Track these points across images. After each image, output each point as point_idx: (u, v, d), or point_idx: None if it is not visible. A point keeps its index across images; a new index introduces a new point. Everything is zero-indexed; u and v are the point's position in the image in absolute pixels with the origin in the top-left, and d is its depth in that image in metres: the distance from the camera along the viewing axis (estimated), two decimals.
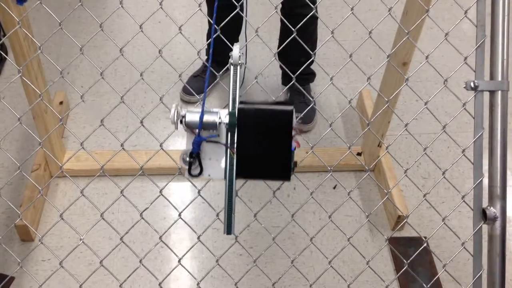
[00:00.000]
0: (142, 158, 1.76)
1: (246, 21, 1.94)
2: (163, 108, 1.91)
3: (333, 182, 1.78)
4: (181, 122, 0.80)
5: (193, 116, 0.79)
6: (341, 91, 1.07)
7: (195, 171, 0.82)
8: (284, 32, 1.89)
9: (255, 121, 0.78)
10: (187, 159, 0.81)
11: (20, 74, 0.92)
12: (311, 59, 1.08)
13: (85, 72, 2.13)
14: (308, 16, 1.06)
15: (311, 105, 1.01)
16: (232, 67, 0.83)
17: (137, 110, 1.98)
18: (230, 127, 0.79)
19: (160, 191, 0.96)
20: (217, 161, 0.82)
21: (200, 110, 0.79)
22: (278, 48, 1.97)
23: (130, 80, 2.09)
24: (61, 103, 1.90)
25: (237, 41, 1.70)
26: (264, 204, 0.99)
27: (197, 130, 0.79)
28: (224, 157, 0.81)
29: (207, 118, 0.79)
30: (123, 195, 0.95)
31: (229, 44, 0.87)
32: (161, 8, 0.93)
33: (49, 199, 1.70)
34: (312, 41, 1.86)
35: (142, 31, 0.92)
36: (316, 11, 0.97)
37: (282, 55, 1.81)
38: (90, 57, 2.18)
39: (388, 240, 1.64)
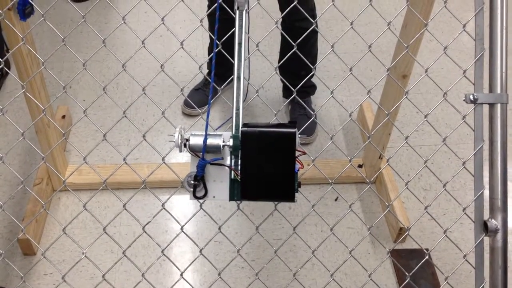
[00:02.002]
0: (144, 171, 1.77)
1: (245, 34, 1.96)
2: (165, 122, 1.93)
3: (334, 194, 1.78)
4: (184, 145, 0.81)
5: (196, 139, 0.80)
6: (341, 104, 1.08)
7: (200, 193, 0.83)
8: (285, 46, 1.91)
9: (259, 144, 0.79)
10: (192, 182, 0.82)
11: (23, 90, 0.93)
12: (311, 73, 1.09)
13: (88, 86, 2.15)
14: (308, 30, 1.07)
15: (312, 119, 1.02)
16: (237, 11, 0.84)
17: (139, 124, 1.99)
18: (234, 150, 0.80)
19: (163, 205, 0.96)
20: (222, 183, 0.83)
21: (203, 133, 0.80)
22: (278, 62, 2.00)
23: (132, 93, 2.11)
24: (63, 117, 1.92)
25: None
26: (266, 217, 0.99)
27: (201, 153, 0.80)
28: (228, 179, 0.82)
29: (210, 141, 0.80)
30: (125, 209, 0.95)
31: (230, 59, 0.88)
32: (163, 23, 0.95)
33: (51, 213, 1.71)
34: (312, 55, 1.88)
35: (144, 46, 0.93)
36: (316, 25, 0.98)
37: (283, 68, 1.82)
38: (92, 71, 2.19)
39: (390, 252, 1.63)
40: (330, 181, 0.99)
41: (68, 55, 2.25)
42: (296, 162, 0.79)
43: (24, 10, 1.26)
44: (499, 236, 0.91)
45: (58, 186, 1.74)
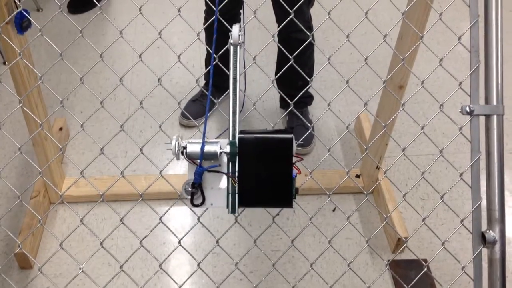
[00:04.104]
0: (141, 183, 1.77)
1: (243, 47, 1.97)
2: (162, 133, 1.92)
3: (332, 205, 1.78)
4: (182, 153, 0.81)
5: (194, 147, 0.80)
6: (338, 115, 1.08)
7: (198, 200, 0.83)
8: (282, 57, 1.91)
9: (256, 150, 0.79)
10: (189, 189, 0.82)
11: (20, 105, 0.93)
12: (308, 86, 1.09)
13: (85, 98, 2.15)
14: (305, 43, 1.08)
15: (309, 131, 1.02)
16: (232, 47, 0.84)
17: (136, 135, 1.99)
18: (231, 156, 0.80)
19: (160, 218, 0.96)
20: (219, 190, 0.83)
21: (200, 141, 0.80)
22: (275, 72, 2.00)
23: (129, 105, 2.11)
24: (60, 129, 1.91)
25: None
26: (264, 230, 0.99)
27: (198, 161, 0.80)
28: (226, 186, 0.82)
29: (208, 148, 0.80)
30: (122, 223, 0.95)
31: (226, 71, 0.88)
32: (160, 37, 0.95)
33: (48, 226, 1.70)
34: (309, 65, 1.89)
35: (141, 60, 0.93)
36: (313, 38, 0.99)
37: (280, 79, 1.82)
38: (89, 82, 2.20)
39: (388, 264, 1.63)
40: (328, 193, 0.99)
41: (66, 67, 2.25)
42: (294, 168, 0.79)
43: (22, 24, 1.26)
44: (497, 247, 0.91)
45: (55, 198, 1.73)
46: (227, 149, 0.80)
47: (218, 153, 0.80)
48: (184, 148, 0.80)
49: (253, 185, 0.80)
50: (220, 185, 0.83)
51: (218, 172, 0.82)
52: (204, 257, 1.01)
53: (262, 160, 0.79)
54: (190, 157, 0.81)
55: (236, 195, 0.82)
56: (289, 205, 0.81)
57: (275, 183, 0.80)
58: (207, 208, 0.84)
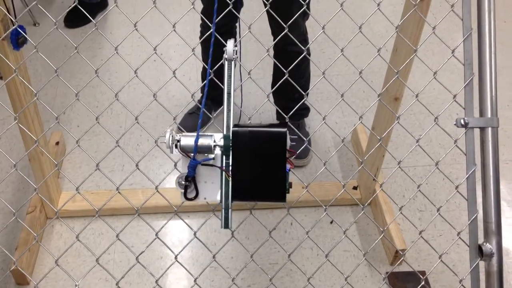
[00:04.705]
0: (138, 197, 1.76)
1: (239, 62, 1.98)
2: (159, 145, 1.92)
3: (330, 217, 1.77)
4: (176, 146, 0.81)
5: (188, 140, 0.80)
6: (335, 127, 1.09)
7: (191, 194, 0.83)
8: (278, 70, 1.92)
9: (250, 144, 0.79)
10: (183, 182, 0.81)
11: (16, 121, 0.93)
12: (304, 99, 1.10)
13: (81, 112, 2.15)
14: (300, 57, 1.08)
15: (305, 144, 1.02)
16: (226, 62, 0.85)
17: (133, 149, 1.99)
18: (225, 150, 0.79)
19: (156, 234, 0.96)
20: (213, 184, 0.83)
21: (194, 134, 0.80)
22: (272, 85, 2.01)
23: (126, 118, 2.11)
24: (57, 143, 1.91)
25: None
26: (261, 244, 0.99)
27: (192, 154, 0.80)
28: (220, 180, 0.81)
29: (202, 141, 0.80)
30: (119, 239, 0.95)
31: (220, 85, 0.88)
32: (155, 53, 0.95)
33: (44, 241, 1.69)
34: (305, 77, 1.89)
35: (137, 76, 0.93)
36: (309, 51, 0.99)
37: (276, 92, 1.83)
38: (86, 96, 2.20)
39: (386, 276, 1.62)
40: (324, 206, 0.99)
41: (62, 81, 2.25)
42: (287, 162, 0.79)
43: (18, 40, 1.27)
44: (494, 260, 0.91)
45: (51, 213, 1.73)
46: (221, 142, 0.80)
47: (212, 146, 0.80)
48: (178, 141, 0.80)
49: (246, 179, 0.79)
50: (213, 179, 0.82)
51: (212, 165, 0.81)
52: (201, 272, 1.01)
53: (256, 154, 0.79)
54: (184, 150, 0.80)
55: (230, 210, 0.82)
56: (283, 199, 0.80)
57: (269, 177, 0.79)
58: (204, 222, 0.84)
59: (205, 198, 0.83)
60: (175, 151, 0.81)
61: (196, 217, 1.77)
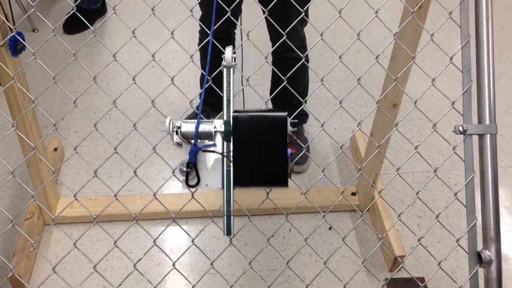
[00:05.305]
0: (136, 203, 1.76)
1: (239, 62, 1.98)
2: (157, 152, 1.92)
3: (328, 223, 1.77)
4: (176, 133, 0.80)
5: (188, 126, 0.80)
6: (334, 133, 1.09)
7: (193, 181, 0.82)
8: (276, 76, 1.92)
9: (250, 129, 0.78)
10: (184, 169, 0.81)
11: (14, 128, 0.93)
12: (302, 106, 1.10)
13: (80, 118, 2.15)
14: (299, 64, 1.08)
15: (303, 151, 1.02)
16: (225, 69, 0.85)
17: (132, 155, 1.98)
18: (225, 136, 0.79)
19: (154, 241, 0.95)
20: (214, 170, 0.82)
21: (195, 120, 0.80)
22: (270, 91, 2.01)
23: (124, 124, 2.11)
24: (55, 149, 1.91)
25: None
26: (259, 252, 0.99)
27: (193, 140, 0.80)
28: (221, 166, 0.81)
29: (202, 127, 0.80)
30: (116, 246, 0.94)
31: (219, 92, 0.88)
32: (154, 60, 0.95)
33: (43, 247, 1.68)
34: (304, 83, 1.89)
35: (135, 83, 0.93)
36: (307, 57, 1.00)
37: (275, 98, 1.83)
38: (85, 102, 2.20)
39: (385, 283, 1.62)
40: (322, 213, 0.99)
41: (60, 87, 2.25)
42: (288, 147, 0.79)
43: (16, 47, 1.27)
44: (493, 267, 0.90)
45: (49, 219, 1.72)
46: (222, 128, 0.79)
47: (213, 132, 0.79)
48: (179, 127, 0.80)
49: (248, 164, 0.79)
50: (215, 166, 0.82)
51: (213, 152, 0.81)
52: (199, 279, 1.00)
53: (256, 138, 0.78)
54: (185, 136, 0.80)
55: (232, 217, 0.81)
56: (285, 184, 0.79)
57: (270, 162, 0.79)
58: (203, 229, 0.84)
59: (206, 185, 0.82)
60: (176, 137, 0.80)
61: (194, 223, 1.76)
